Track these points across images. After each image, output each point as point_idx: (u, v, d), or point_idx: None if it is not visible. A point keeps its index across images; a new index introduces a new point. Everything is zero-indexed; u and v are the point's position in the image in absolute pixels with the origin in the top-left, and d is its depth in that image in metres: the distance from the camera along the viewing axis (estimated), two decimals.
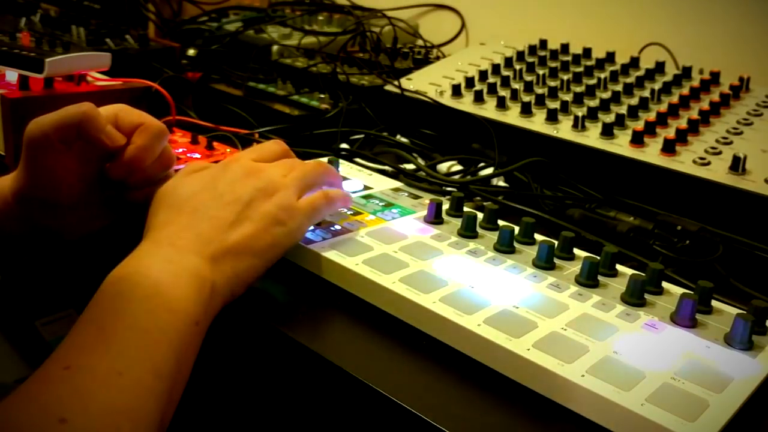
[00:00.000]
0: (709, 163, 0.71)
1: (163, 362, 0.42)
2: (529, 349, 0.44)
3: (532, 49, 1.00)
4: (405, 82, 0.94)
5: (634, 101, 0.83)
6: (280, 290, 0.55)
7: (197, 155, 0.75)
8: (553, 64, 0.95)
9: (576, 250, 0.58)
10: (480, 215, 0.61)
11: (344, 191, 0.60)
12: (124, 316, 0.42)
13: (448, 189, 0.73)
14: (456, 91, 0.90)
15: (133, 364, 0.40)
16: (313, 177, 0.56)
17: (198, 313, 0.45)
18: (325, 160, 0.73)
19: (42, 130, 0.52)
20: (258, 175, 0.53)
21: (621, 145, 0.76)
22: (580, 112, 0.81)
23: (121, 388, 0.39)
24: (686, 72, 0.90)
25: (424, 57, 1.17)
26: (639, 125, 0.77)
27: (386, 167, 0.78)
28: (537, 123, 0.82)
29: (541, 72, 0.93)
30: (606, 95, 0.84)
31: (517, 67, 0.95)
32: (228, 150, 0.77)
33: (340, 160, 0.73)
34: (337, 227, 0.59)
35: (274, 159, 0.57)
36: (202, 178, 0.53)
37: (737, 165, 0.69)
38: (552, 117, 0.82)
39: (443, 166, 0.81)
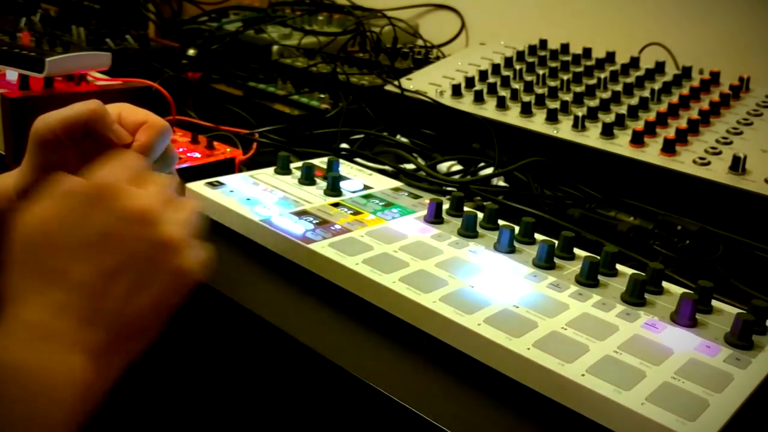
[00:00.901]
0: (709, 163, 0.71)
1: None
2: (529, 349, 0.44)
3: (532, 49, 1.00)
4: (405, 82, 0.94)
5: (634, 101, 0.83)
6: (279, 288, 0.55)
7: (197, 155, 0.75)
8: (553, 64, 0.95)
9: (576, 250, 0.58)
10: (480, 215, 0.61)
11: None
12: None
13: (448, 189, 0.73)
14: (456, 91, 0.90)
15: None
16: (196, 216, 0.44)
17: (77, 420, 0.37)
18: (324, 160, 0.73)
19: (49, 126, 0.52)
20: (150, 223, 0.41)
21: (621, 145, 0.76)
22: (580, 112, 0.81)
23: None
24: (686, 72, 0.90)
25: (424, 57, 1.17)
26: (639, 125, 0.77)
27: (386, 167, 0.78)
28: (537, 123, 0.82)
29: (541, 72, 0.93)
30: (606, 95, 0.84)
31: (517, 67, 0.95)
32: (228, 150, 0.77)
33: (340, 160, 0.73)
34: (337, 227, 0.59)
35: (138, 172, 0.44)
36: (75, 227, 0.40)
37: (737, 165, 0.69)
38: (552, 117, 0.82)
39: (443, 166, 0.81)
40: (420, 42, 1.29)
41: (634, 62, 0.94)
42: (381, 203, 0.65)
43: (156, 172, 0.45)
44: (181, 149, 0.75)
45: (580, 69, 0.92)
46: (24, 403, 0.35)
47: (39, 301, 0.38)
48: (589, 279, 0.53)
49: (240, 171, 0.75)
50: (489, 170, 0.78)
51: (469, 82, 0.91)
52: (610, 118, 0.80)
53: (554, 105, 0.83)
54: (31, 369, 0.36)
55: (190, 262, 0.42)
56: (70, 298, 0.38)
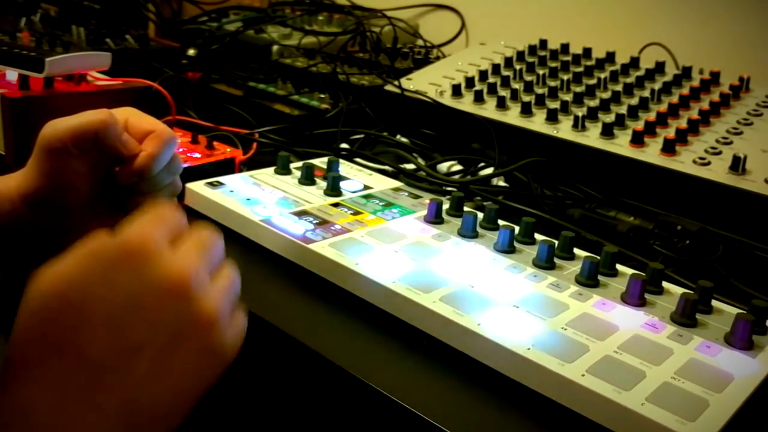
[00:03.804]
0: (709, 163, 0.71)
1: None
2: (529, 349, 0.44)
3: (532, 49, 1.00)
4: (405, 82, 0.94)
5: (634, 101, 0.83)
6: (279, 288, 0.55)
7: (197, 155, 0.75)
8: (553, 64, 0.95)
9: (576, 250, 0.58)
10: (480, 215, 0.61)
11: None
12: None
13: (448, 189, 0.73)
14: (456, 91, 0.90)
15: None
16: (238, 286, 0.41)
17: None
18: (325, 159, 0.73)
19: (57, 134, 0.52)
20: (183, 295, 0.35)
21: (621, 145, 0.76)
22: (580, 112, 0.81)
23: None
24: (686, 72, 0.90)
25: (424, 57, 1.17)
26: (639, 125, 0.77)
27: (386, 167, 0.78)
28: (537, 123, 0.82)
29: (541, 72, 0.93)
30: (606, 95, 0.84)
31: (517, 67, 0.95)
32: (228, 150, 0.77)
33: (340, 160, 0.73)
34: (337, 227, 0.59)
35: (177, 230, 0.39)
36: (96, 294, 0.34)
37: (737, 165, 0.69)
38: (552, 117, 0.82)
39: (443, 166, 0.81)
40: (420, 42, 1.29)
41: (634, 62, 0.94)
42: (381, 203, 0.65)
43: (196, 228, 0.40)
44: (181, 149, 0.75)
45: (580, 69, 0.92)
46: None
47: (43, 381, 0.32)
48: (589, 279, 0.53)
49: (240, 171, 0.75)
50: (489, 170, 0.78)
51: (469, 82, 0.91)
52: (610, 118, 0.80)
53: (554, 105, 0.83)
54: None
55: (224, 342, 0.37)
56: (83, 381, 0.32)
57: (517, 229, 0.59)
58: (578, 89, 0.87)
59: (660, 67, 0.92)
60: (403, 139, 0.88)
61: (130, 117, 0.56)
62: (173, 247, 0.37)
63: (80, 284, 0.34)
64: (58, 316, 0.33)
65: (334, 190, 0.66)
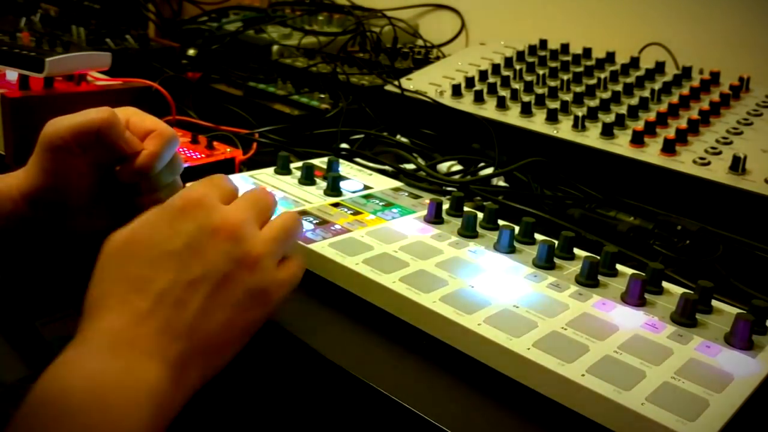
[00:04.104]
0: (709, 163, 0.71)
1: None
2: (529, 349, 0.44)
3: (532, 49, 1.00)
4: (405, 82, 0.94)
5: (634, 101, 0.83)
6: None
7: (197, 155, 0.75)
8: (553, 64, 0.95)
9: (576, 250, 0.58)
10: (480, 215, 0.61)
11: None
12: None
13: (448, 189, 0.73)
14: (456, 91, 0.90)
15: None
16: (292, 237, 0.47)
17: None
18: (324, 160, 0.73)
19: (59, 133, 0.52)
20: (233, 238, 0.42)
21: (621, 145, 0.76)
22: (580, 112, 0.81)
23: None
24: (686, 72, 0.90)
25: (424, 57, 1.18)
26: (639, 125, 0.77)
27: (386, 167, 0.78)
28: (537, 123, 0.82)
29: (541, 72, 0.93)
30: (606, 95, 0.84)
31: (517, 67, 0.95)
32: (228, 150, 0.77)
33: (340, 160, 0.73)
34: (337, 227, 0.59)
35: (229, 192, 0.47)
36: (162, 237, 0.41)
37: (737, 165, 0.69)
38: (552, 117, 0.82)
39: (443, 166, 0.81)
40: (420, 42, 1.29)
41: (634, 62, 0.94)
42: (381, 203, 0.65)
43: (249, 191, 0.47)
44: (181, 149, 0.75)
45: (580, 69, 0.92)
46: (100, 412, 0.34)
47: (120, 308, 0.38)
48: (589, 279, 0.53)
49: (240, 171, 0.75)
50: (489, 170, 0.78)
51: (469, 82, 0.91)
52: (610, 118, 0.80)
53: (554, 105, 0.83)
54: (109, 377, 0.36)
55: (269, 283, 0.43)
56: (151, 307, 0.39)
57: (517, 229, 0.59)
58: (578, 89, 0.87)
59: (660, 67, 0.92)
60: (403, 139, 0.88)
61: (131, 116, 0.56)
62: (226, 203, 0.44)
63: (150, 229, 0.41)
64: (132, 254, 0.40)
65: (334, 190, 0.66)
